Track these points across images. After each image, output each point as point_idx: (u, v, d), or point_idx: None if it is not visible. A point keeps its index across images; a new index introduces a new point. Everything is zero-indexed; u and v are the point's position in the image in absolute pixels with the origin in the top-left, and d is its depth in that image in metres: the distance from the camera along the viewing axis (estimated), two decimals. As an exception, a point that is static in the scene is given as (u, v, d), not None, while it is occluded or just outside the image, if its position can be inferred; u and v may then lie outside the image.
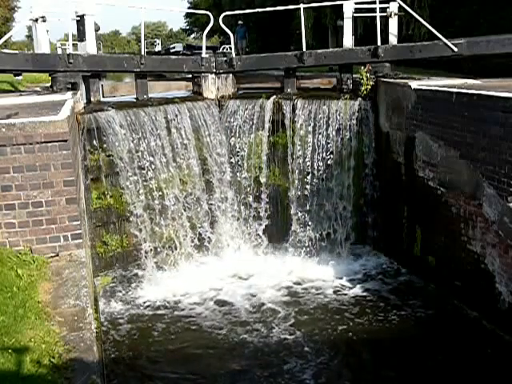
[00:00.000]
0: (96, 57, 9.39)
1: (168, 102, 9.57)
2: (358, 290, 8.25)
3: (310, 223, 9.52)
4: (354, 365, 6.49)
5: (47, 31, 9.15)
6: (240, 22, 23.72)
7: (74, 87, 9.00)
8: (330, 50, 11.00)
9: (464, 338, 6.73)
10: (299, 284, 8.61)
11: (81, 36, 9.26)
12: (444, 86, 7.90)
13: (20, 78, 13.44)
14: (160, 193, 8.85)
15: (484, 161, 6.69)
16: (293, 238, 9.67)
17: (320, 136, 9.32)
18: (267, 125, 9.78)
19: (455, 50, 9.41)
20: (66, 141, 5.95)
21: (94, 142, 8.30)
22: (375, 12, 9.69)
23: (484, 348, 6.45)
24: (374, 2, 9.71)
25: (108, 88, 10.31)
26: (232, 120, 9.93)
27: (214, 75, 10.32)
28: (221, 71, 10.35)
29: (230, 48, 13.12)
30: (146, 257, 8.75)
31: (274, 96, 9.89)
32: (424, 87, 8.07)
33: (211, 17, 10.63)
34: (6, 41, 10.47)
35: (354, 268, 9.06)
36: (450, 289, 7.65)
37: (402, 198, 8.74)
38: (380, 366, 6.36)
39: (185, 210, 9.26)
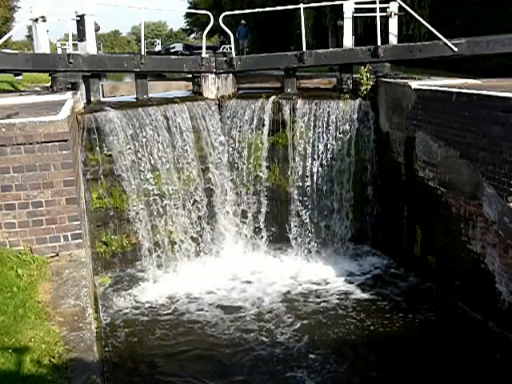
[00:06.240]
0: (96, 57, 9.38)
1: (168, 101, 9.56)
2: (358, 291, 8.23)
3: (310, 223, 9.52)
4: (358, 367, 6.40)
5: (47, 31, 9.13)
6: (243, 22, 23.76)
7: (73, 87, 8.99)
8: (330, 50, 10.99)
9: (465, 338, 6.72)
10: (299, 284, 8.59)
11: (81, 36, 9.25)
12: (444, 86, 7.90)
13: (20, 77, 13.46)
14: (160, 192, 8.84)
15: (484, 161, 6.69)
16: (293, 237, 9.67)
17: (320, 136, 9.32)
18: (267, 125, 9.78)
19: (455, 49, 9.41)
20: (66, 141, 5.96)
21: (94, 141, 8.29)
22: (375, 12, 9.69)
23: (484, 347, 6.45)
24: (374, 2, 9.71)
25: (108, 88, 10.30)
26: (232, 120, 9.93)
27: (214, 75, 10.32)
28: (221, 71, 10.35)
29: (230, 48, 13.11)
30: (145, 257, 8.75)
31: (274, 96, 9.89)
32: (424, 87, 8.07)
33: (211, 17, 10.63)
34: (6, 41, 10.45)
35: (354, 268, 9.05)
36: (449, 289, 7.65)
37: (402, 198, 8.74)
38: (385, 368, 6.32)
39: (185, 210, 9.26)
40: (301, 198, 9.56)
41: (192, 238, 9.29)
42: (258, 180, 9.92)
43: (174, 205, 9.03)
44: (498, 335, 6.64)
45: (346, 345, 6.80)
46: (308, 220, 9.52)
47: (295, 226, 9.65)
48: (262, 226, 9.93)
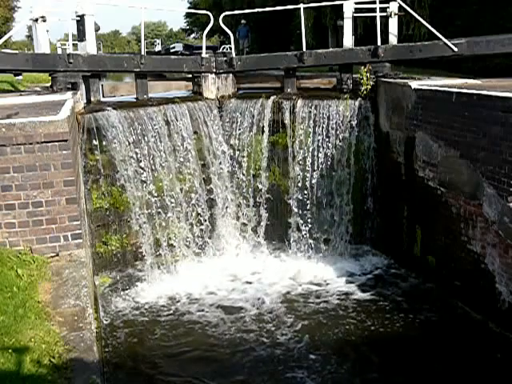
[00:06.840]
0: (96, 57, 9.37)
1: (168, 101, 9.55)
2: (358, 291, 8.22)
3: (309, 223, 9.51)
4: (358, 368, 6.40)
5: (47, 31, 9.13)
6: (243, 22, 23.80)
7: (73, 87, 8.99)
8: (330, 50, 10.99)
9: (465, 339, 6.72)
10: (299, 285, 8.58)
11: (81, 36, 9.25)
12: (444, 86, 7.90)
13: (20, 77, 13.46)
14: (159, 193, 8.83)
15: (484, 161, 6.69)
16: (293, 238, 9.66)
17: (320, 136, 9.31)
18: (267, 125, 9.76)
19: (455, 49, 9.41)
20: (66, 141, 5.95)
21: (94, 141, 8.28)
22: (375, 12, 9.68)
23: (484, 348, 6.45)
24: (374, 2, 9.70)
25: (108, 88, 10.29)
26: (232, 120, 9.92)
27: (214, 75, 10.31)
28: (221, 71, 10.35)
29: (230, 48, 13.10)
30: (145, 257, 8.74)
31: (274, 96, 9.88)
32: (424, 87, 8.07)
33: (211, 17, 10.63)
34: (6, 41, 10.45)
35: (355, 268, 9.04)
36: (449, 289, 7.65)
37: (402, 198, 8.73)
38: (385, 369, 6.30)
39: (184, 211, 9.25)
40: (301, 198, 9.53)
41: (191, 238, 9.27)
42: (257, 180, 9.90)
43: (174, 205, 9.00)
44: (498, 335, 6.64)
45: (347, 345, 6.80)
46: (308, 220, 9.48)
47: (295, 226, 9.61)
48: (261, 226, 9.92)
